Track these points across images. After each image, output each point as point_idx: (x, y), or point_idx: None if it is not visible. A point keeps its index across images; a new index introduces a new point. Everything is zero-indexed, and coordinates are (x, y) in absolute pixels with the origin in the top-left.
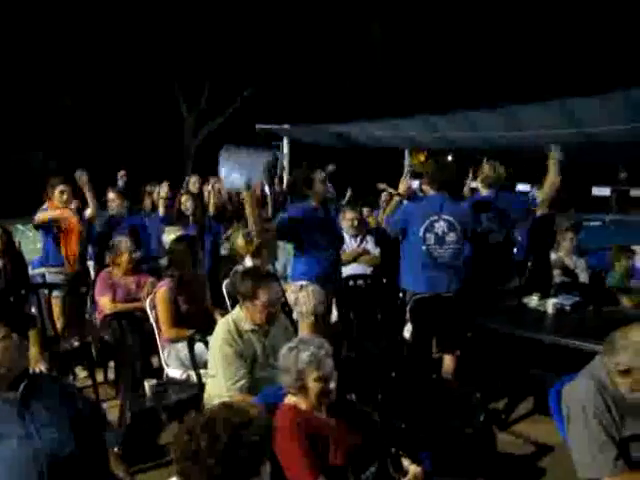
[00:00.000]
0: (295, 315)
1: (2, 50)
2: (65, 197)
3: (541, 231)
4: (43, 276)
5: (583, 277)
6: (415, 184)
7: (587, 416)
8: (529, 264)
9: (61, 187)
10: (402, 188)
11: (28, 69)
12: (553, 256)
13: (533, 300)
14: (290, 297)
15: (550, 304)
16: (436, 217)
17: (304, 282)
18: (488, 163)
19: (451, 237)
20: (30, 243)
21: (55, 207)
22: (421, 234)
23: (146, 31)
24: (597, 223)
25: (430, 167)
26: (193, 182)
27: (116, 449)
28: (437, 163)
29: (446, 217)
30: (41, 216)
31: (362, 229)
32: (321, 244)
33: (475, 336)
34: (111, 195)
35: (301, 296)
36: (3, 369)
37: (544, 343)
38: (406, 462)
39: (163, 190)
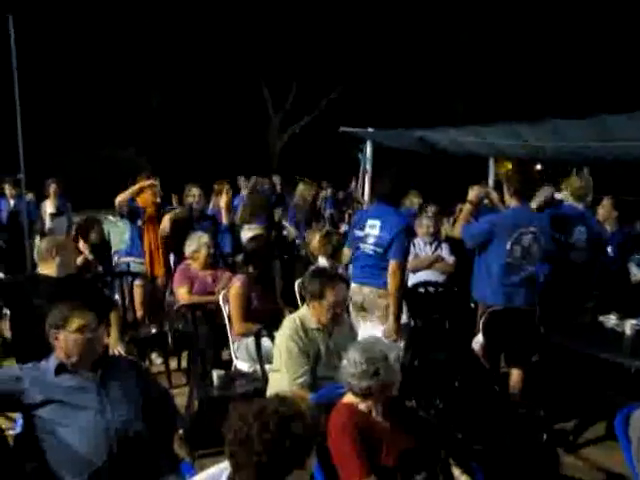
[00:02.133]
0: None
1: (99, 53)
2: (157, 190)
3: (620, 246)
4: (128, 265)
5: None
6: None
7: None
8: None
9: (154, 181)
10: (472, 195)
11: (122, 70)
12: None
13: (611, 320)
14: (378, 302)
15: (628, 325)
16: (524, 229)
17: None
18: (578, 175)
19: (535, 249)
20: (119, 234)
21: (142, 202)
22: (508, 246)
23: (235, 32)
24: None
25: (515, 177)
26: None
27: (181, 432)
28: (521, 174)
29: (532, 229)
30: (122, 196)
31: (438, 236)
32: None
33: (547, 352)
34: (196, 191)
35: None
36: (89, 352)
37: (619, 365)
38: (457, 472)
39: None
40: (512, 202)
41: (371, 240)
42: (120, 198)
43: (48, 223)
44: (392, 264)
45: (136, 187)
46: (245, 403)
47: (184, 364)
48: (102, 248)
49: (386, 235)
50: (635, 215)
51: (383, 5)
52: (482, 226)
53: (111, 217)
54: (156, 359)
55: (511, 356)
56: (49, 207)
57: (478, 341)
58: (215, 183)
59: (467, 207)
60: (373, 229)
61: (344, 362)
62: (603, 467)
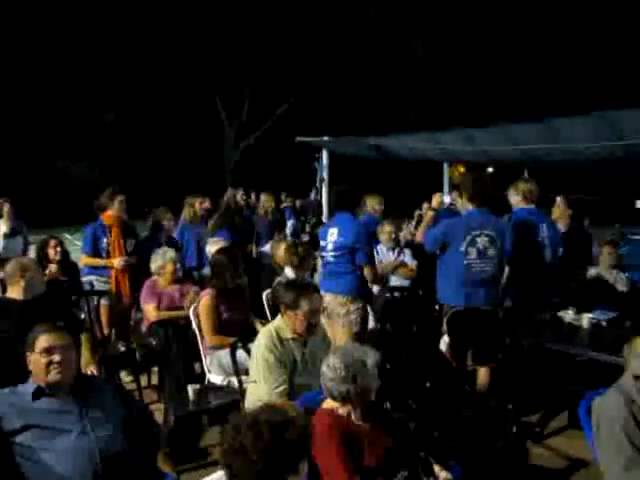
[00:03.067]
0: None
1: (50, 65)
2: (124, 206)
3: (572, 244)
4: (91, 284)
5: (622, 292)
6: (447, 198)
7: (615, 429)
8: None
9: (120, 197)
10: (435, 202)
11: (74, 83)
12: (592, 270)
13: (568, 314)
14: (338, 309)
15: (585, 319)
16: (478, 232)
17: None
18: (525, 179)
19: (491, 252)
20: (77, 251)
21: (107, 219)
22: (463, 249)
23: (188, 46)
24: None
25: (469, 182)
26: (241, 195)
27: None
28: (476, 178)
29: (487, 232)
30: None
31: (399, 241)
32: None
33: (510, 349)
34: (171, 215)
35: (352, 308)
36: (68, 375)
37: (579, 357)
38: (437, 468)
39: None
40: (468, 206)
41: (330, 247)
42: (84, 262)
43: (2, 244)
44: (365, 270)
45: (104, 262)
46: (237, 414)
47: (154, 381)
48: (66, 265)
49: (343, 240)
50: (583, 213)
51: (334, 17)
52: (437, 231)
53: (67, 235)
54: (125, 377)
55: (476, 354)
56: (3, 228)
57: (445, 341)
58: (188, 196)
59: (429, 213)
60: (332, 236)
61: (323, 368)
62: (567, 455)
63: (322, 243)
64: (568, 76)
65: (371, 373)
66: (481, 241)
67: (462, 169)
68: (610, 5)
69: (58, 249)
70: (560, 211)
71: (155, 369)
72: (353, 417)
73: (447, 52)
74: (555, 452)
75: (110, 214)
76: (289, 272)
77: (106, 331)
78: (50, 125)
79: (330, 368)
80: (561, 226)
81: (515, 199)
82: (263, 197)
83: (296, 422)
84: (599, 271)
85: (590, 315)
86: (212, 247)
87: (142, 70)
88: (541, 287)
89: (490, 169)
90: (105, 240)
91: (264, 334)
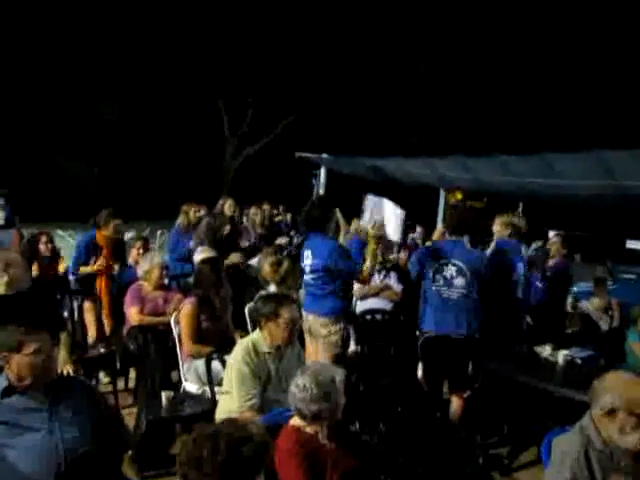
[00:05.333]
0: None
1: (54, 61)
2: (119, 229)
3: (558, 279)
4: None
5: (605, 330)
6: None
7: (564, 466)
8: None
9: (117, 221)
10: (436, 235)
11: (75, 82)
12: (583, 305)
13: (545, 350)
14: (320, 330)
15: (561, 355)
16: (445, 261)
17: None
18: (516, 213)
19: (459, 281)
20: (69, 249)
21: (100, 239)
22: (431, 275)
23: (194, 53)
24: (631, 276)
25: (448, 214)
26: (229, 205)
27: (130, 452)
28: (452, 208)
29: (456, 262)
30: (86, 269)
31: (386, 264)
32: None
33: (485, 380)
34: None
35: (334, 329)
36: (51, 376)
37: (551, 393)
38: None
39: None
40: (448, 236)
41: (307, 269)
42: (83, 271)
43: None
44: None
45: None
46: (201, 425)
47: (131, 384)
48: (55, 261)
49: (317, 261)
50: (575, 249)
51: (341, 35)
52: (415, 257)
53: (60, 231)
54: (104, 378)
55: (451, 382)
56: None
57: (421, 367)
58: (184, 203)
59: (427, 243)
60: (307, 259)
61: (292, 388)
62: None
63: (301, 265)
64: (567, 113)
65: (340, 391)
66: (448, 270)
67: (460, 196)
68: (612, 46)
69: (49, 245)
70: (557, 249)
71: (133, 373)
72: (319, 436)
73: (451, 80)
74: None
75: (104, 234)
76: (273, 288)
77: (89, 332)
78: (50, 122)
79: (300, 388)
80: (551, 261)
81: (499, 229)
82: (251, 210)
83: (254, 439)
84: (589, 308)
85: (566, 352)
86: (199, 256)
87: (145, 70)
88: (509, 322)
89: (484, 199)
90: (94, 260)
91: (241, 346)
